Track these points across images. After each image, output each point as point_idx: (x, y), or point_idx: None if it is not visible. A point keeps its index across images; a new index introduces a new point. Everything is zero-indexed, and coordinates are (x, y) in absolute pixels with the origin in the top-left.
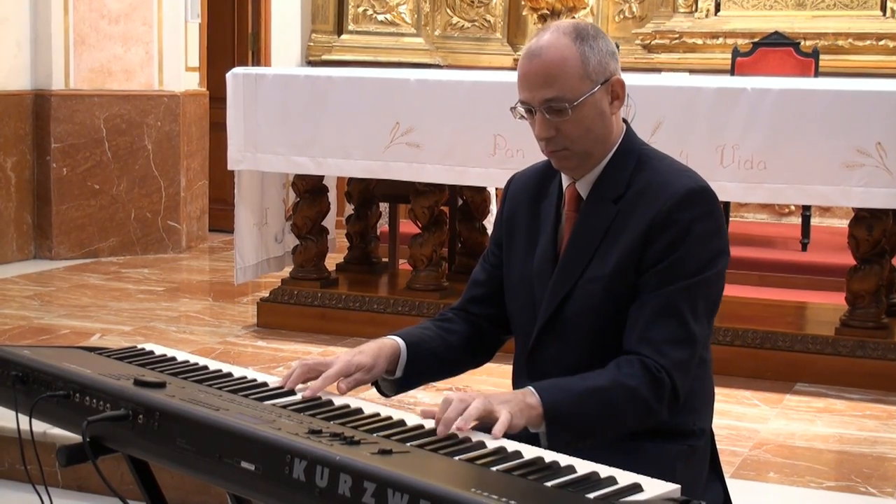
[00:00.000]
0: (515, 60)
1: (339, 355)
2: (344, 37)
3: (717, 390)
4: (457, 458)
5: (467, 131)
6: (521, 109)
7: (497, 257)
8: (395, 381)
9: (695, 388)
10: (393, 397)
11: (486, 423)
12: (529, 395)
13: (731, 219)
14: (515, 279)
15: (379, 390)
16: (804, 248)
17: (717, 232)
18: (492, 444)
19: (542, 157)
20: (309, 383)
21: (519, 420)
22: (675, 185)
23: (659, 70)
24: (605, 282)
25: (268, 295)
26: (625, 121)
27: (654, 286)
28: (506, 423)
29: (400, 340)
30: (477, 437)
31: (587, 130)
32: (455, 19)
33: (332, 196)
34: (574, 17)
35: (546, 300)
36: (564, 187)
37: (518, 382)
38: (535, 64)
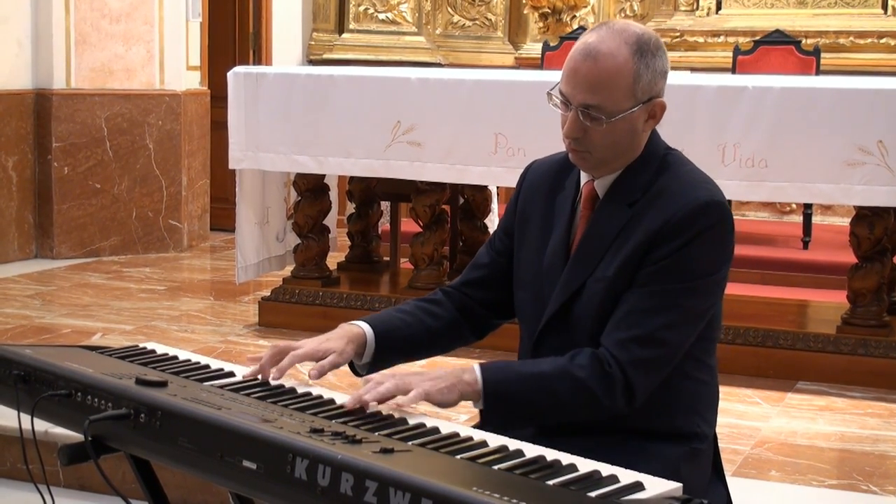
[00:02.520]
0: (516, 59)
1: (307, 341)
2: (345, 35)
3: (719, 388)
4: (458, 456)
5: (468, 130)
6: (557, 99)
7: (504, 245)
8: (365, 364)
9: (699, 392)
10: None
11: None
12: (469, 372)
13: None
14: (526, 271)
15: (353, 370)
16: (805, 246)
17: (719, 246)
18: (494, 442)
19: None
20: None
21: (448, 396)
22: (690, 196)
23: None
24: (607, 282)
25: (269, 294)
26: None
27: (640, 284)
28: (415, 398)
29: (367, 328)
30: (478, 435)
31: (614, 143)
32: (456, 18)
33: (334, 195)
34: (576, 15)
35: (555, 296)
36: (582, 183)
37: None
38: (587, 66)
